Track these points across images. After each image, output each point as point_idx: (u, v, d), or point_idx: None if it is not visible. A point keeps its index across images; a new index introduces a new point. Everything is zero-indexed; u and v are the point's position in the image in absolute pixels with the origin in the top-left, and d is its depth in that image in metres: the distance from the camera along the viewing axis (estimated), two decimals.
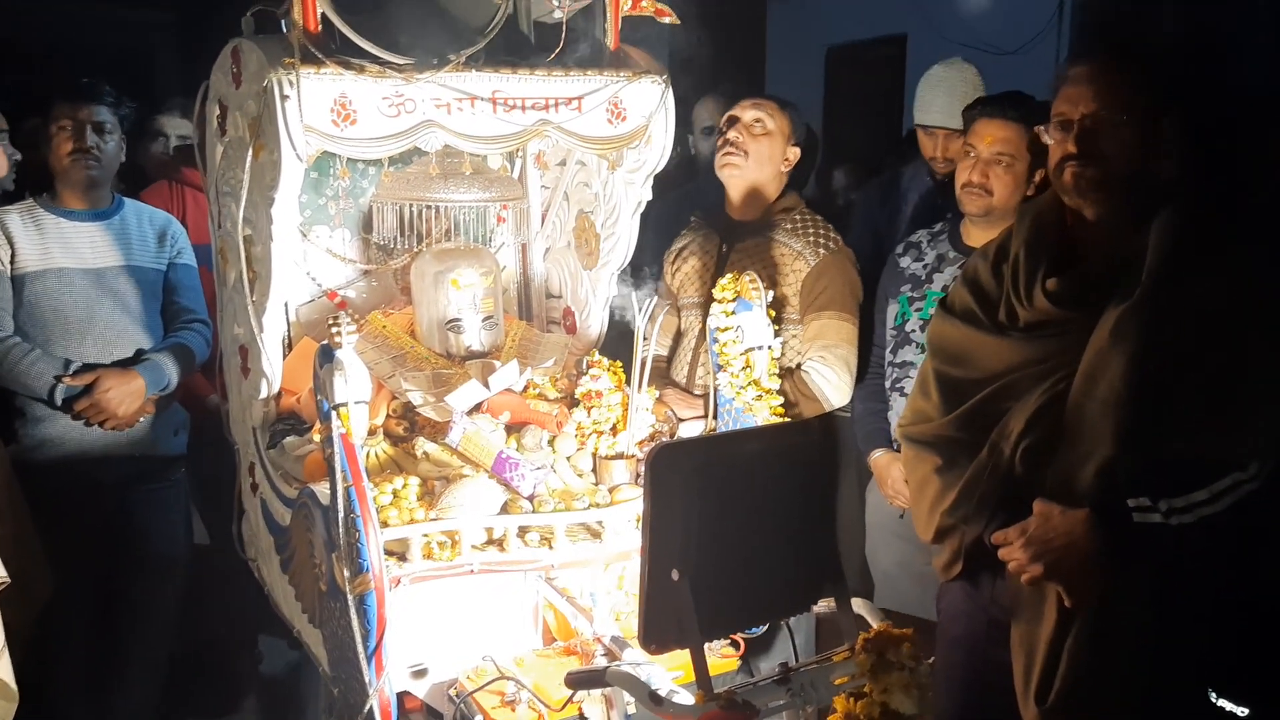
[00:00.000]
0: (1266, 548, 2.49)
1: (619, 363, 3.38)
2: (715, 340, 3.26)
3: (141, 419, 3.85)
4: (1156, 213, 2.51)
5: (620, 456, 3.18)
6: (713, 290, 3.28)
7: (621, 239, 3.58)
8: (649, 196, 3.48)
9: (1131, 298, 2.46)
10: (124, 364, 3.82)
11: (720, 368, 3.26)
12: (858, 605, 2.63)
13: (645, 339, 3.19)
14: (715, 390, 3.29)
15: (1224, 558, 2.45)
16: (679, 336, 3.90)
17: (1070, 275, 2.58)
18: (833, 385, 3.58)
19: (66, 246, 3.83)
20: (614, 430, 3.27)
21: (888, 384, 3.59)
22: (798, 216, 3.76)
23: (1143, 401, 2.41)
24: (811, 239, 3.69)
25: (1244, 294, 2.42)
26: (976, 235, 3.42)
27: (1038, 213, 2.71)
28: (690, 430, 3.50)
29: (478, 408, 3.25)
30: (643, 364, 3.25)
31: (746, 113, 3.67)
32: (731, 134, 3.66)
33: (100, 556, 3.86)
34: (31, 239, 3.79)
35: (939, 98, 4.07)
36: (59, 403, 3.71)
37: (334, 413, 2.64)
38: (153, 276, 3.96)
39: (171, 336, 3.95)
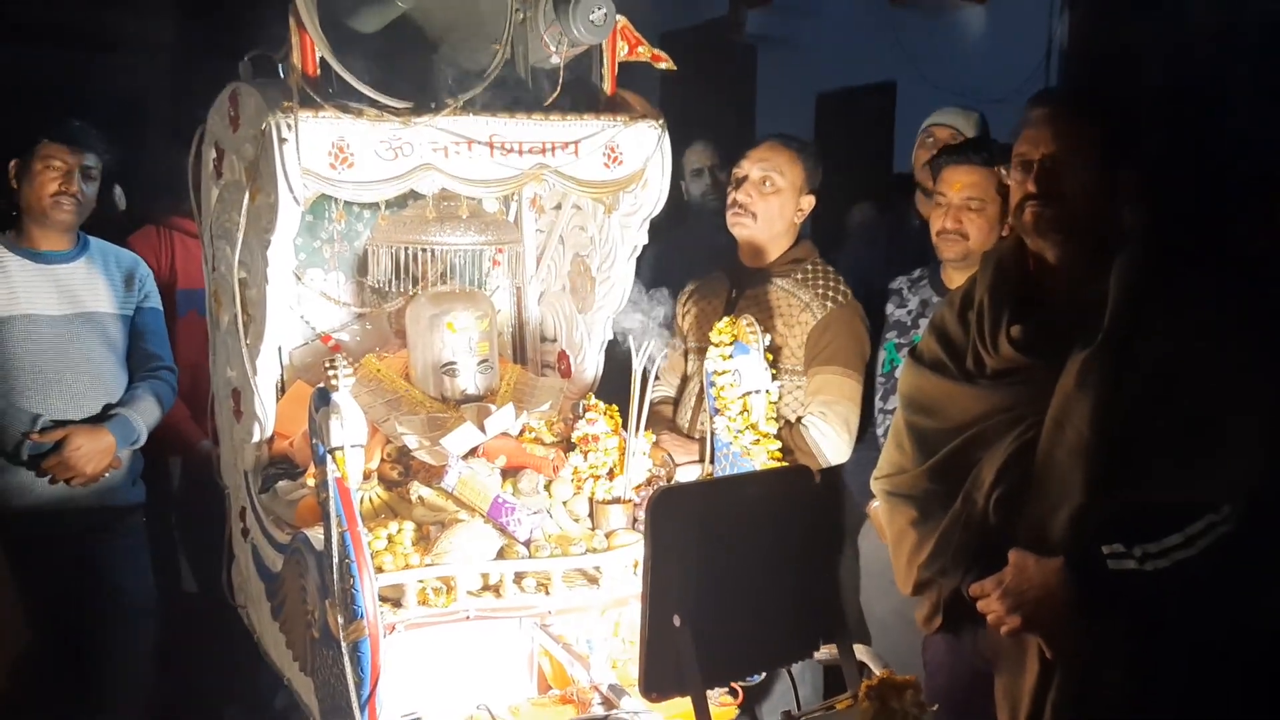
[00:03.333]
0: (1245, 590, 2.44)
1: (615, 407, 3.33)
2: (712, 384, 3.24)
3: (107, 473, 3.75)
4: (1116, 256, 2.50)
5: (617, 501, 3.15)
6: (711, 333, 3.27)
7: (617, 283, 3.53)
8: (645, 240, 3.45)
9: (1094, 343, 2.44)
10: (93, 418, 3.75)
11: (718, 411, 3.23)
12: (860, 652, 2.61)
13: (642, 382, 3.16)
14: (712, 434, 3.26)
15: (1202, 602, 2.41)
16: (686, 380, 3.86)
17: (1034, 321, 2.56)
18: (830, 443, 3.55)
19: (33, 290, 3.75)
20: (611, 475, 3.24)
21: (879, 431, 3.57)
22: (809, 267, 3.71)
23: (1111, 447, 2.39)
24: (820, 291, 3.65)
25: (1207, 336, 2.40)
26: (957, 279, 3.40)
27: (999, 258, 2.70)
28: (687, 475, 3.47)
29: (473, 452, 3.21)
30: (640, 408, 3.22)
31: (754, 169, 3.64)
32: (740, 195, 3.65)
33: (67, 607, 3.77)
34: None
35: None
36: (25, 458, 3.64)
37: (329, 456, 2.62)
38: (121, 322, 3.89)
39: (139, 385, 3.86)
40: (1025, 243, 2.63)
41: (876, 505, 3.39)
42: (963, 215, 3.37)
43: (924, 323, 3.39)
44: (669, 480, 3.36)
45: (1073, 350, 2.46)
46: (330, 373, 2.66)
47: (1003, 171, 2.65)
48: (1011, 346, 2.55)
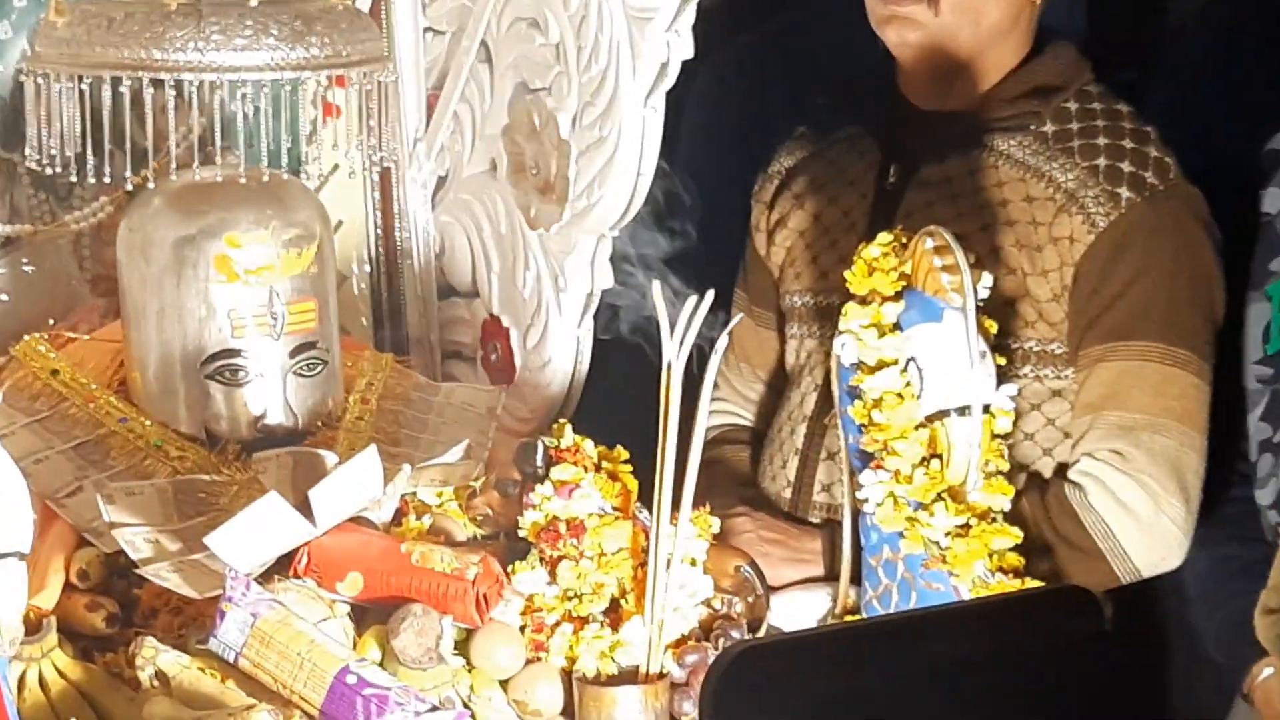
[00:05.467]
0: None
1: (620, 450, 2.20)
2: (853, 393, 2.21)
3: None
4: None
5: (634, 677, 2.09)
6: (849, 272, 2.25)
7: (623, 153, 2.43)
8: (688, 54, 2.33)
9: None
10: None
11: (864, 455, 2.24)
12: None
13: (685, 393, 2.11)
14: (856, 511, 2.27)
15: None
16: (784, 381, 2.78)
17: None
18: (1140, 522, 2.47)
19: None
20: (616, 615, 2.13)
21: (1264, 493, 2.44)
22: (1070, 107, 2.60)
23: None
24: (1102, 164, 2.53)
25: None
26: None
27: None
28: (797, 610, 2.41)
29: (288, 563, 2.16)
30: (681, 453, 2.12)
31: None
32: None
33: None
34: None
35: None
36: None
37: None
38: None
39: None
40: None
41: (1268, 674, 2.38)
42: None
43: None
44: (753, 625, 2.24)
45: None
46: None
47: None
48: None
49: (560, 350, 2.61)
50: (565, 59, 2.50)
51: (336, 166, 2.70)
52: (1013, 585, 2.11)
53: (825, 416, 2.55)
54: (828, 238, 2.64)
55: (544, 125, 2.54)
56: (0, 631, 1.77)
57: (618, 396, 2.55)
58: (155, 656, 1.99)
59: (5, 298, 2.60)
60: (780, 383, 2.77)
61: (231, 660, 1.98)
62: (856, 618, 2.25)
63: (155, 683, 1.99)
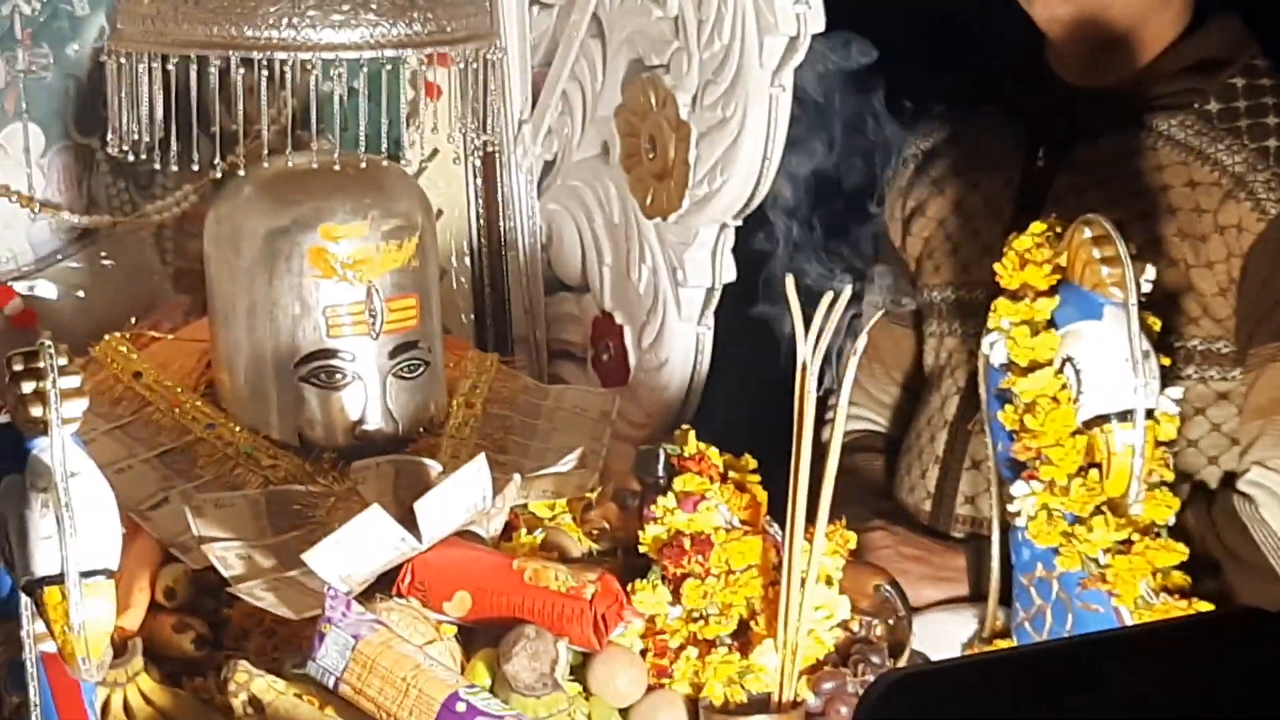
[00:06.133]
0: None
1: (749, 460, 2.12)
2: (999, 400, 2.13)
3: None
4: None
5: (765, 706, 2.01)
6: (999, 263, 2.16)
7: (749, 135, 2.31)
8: (819, 28, 2.22)
9: None
10: None
11: (1015, 464, 2.15)
12: None
13: (821, 397, 2.05)
14: (1006, 525, 2.18)
15: None
16: (914, 380, 2.72)
17: None
18: None
19: None
20: (745, 638, 2.05)
21: None
22: (1237, 83, 2.49)
23: None
24: (1274, 146, 2.44)
25: None
26: None
27: None
28: (940, 633, 2.30)
29: (391, 581, 2.06)
30: (817, 464, 1.99)
31: None
32: None
33: None
34: None
35: None
36: None
37: (29, 599, 1.73)
38: None
39: None
40: None
41: None
42: None
43: None
44: (894, 650, 2.12)
45: None
46: (24, 384, 1.69)
47: None
48: None
49: (678, 350, 2.51)
50: (685, 33, 2.39)
51: (436, 151, 2.61)
52: (1178, 607, 2.02)
53: (969, 422, 2.47)
54: (970, 226, 2.56)
55: (661, 105, 2.43)
56: (88, 655, 1.66)
57: (737, 404, 2.54)
58: (249, 682, 1.90)
59: (82, 294, 2.53)
60: (915, 385, 2.68)
61: (331, 686, 1.90)
62: (1007, 642, 2.15)
63: (248, 710, 1.90)
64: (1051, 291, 2.04)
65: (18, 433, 1.68)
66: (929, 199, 2.65)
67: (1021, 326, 2.05)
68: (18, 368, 1.64)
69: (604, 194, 2.60)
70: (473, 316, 2.76)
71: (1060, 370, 2.03)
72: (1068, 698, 1.50)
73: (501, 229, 2.74)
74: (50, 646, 1.72)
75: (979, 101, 2.67)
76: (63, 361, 1.65)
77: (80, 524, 1.63)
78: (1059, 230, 2.08)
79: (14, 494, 1.67)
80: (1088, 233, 2.01)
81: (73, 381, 1.66)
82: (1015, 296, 2.06)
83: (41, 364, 1.64)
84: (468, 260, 2.76)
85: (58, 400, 1.64)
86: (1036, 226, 2.09)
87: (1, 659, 1.84)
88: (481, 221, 2.74)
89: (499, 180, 2.72)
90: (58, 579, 1.62)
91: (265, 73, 2.10)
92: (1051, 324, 2.04)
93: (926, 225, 2.65)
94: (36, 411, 1.63)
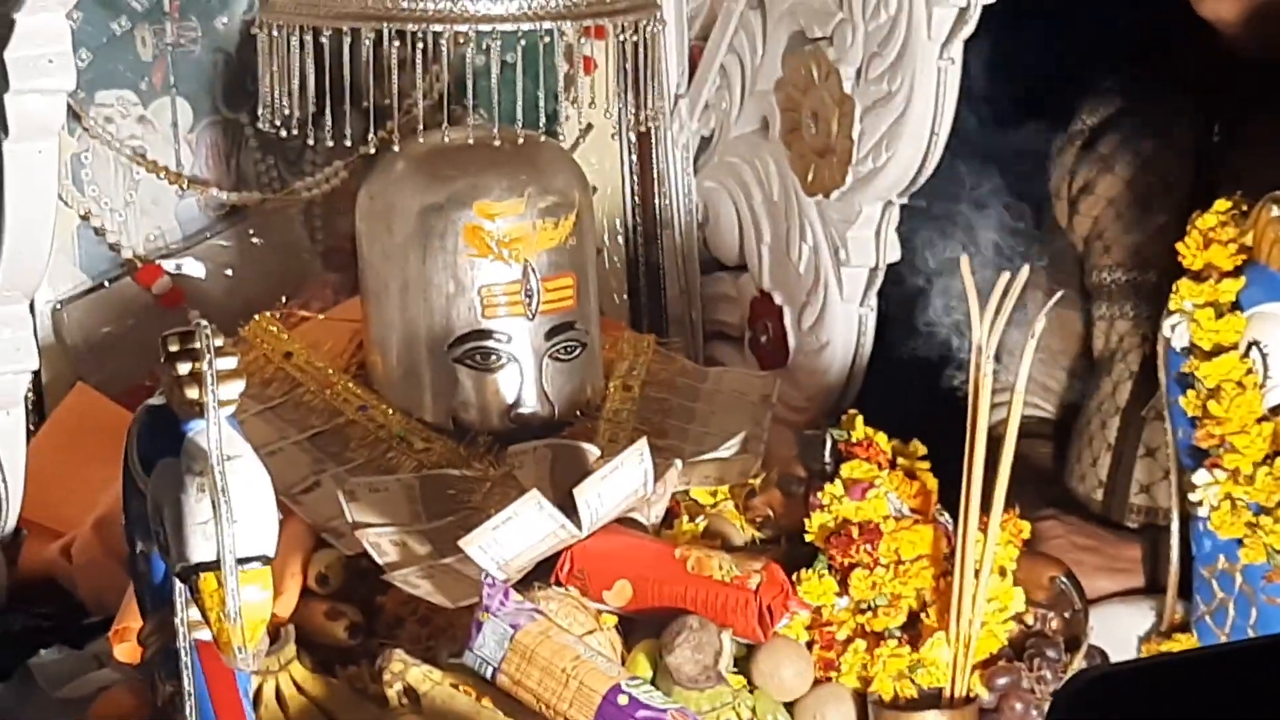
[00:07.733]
0: None
1: (918, 446, 2.09)
2: (1180, 385, 2.10)
3: None
4: None
5: (936, 701, 1.97)
6: (1180, 243, 2.10)
7: (915, 110, 2.29)
8: None
9: None
10: None
11: (1196, 452, 2.10)
12: None
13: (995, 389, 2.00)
14: (1180, 515, 2.15)
15: None
16: (1080, 364, 2.66)
17: None
18: None
19: None
20: (916, 630, 2.03)
21: None
22: None
23: None
24: None
25: None
26: None
27: None
28: (1115, 626, 2.22)
29: (549, 569, 2.05)
30: (992, 454, 1.96)
31: None
32: None
33: None
34: None
35: None
36: None
37: (185, 586, 1.67)
38: None
39: None
40: None
41: None
42: None
43: None
44: (1070, 644, 2.06)
45: None
46: (179, 365, 1.66)
47: None
48: None
49: (840, 331, 2.48)
50: (849, 4, 2.36)
51: (590, 127, 2.62)
52: None
53: (1142, 408, 2.43)
54: (1142, 205, 2.52)
55: (824, 79, 2.40)
56: (245, 644, 1.61)
57: (902, 388, 2.43)
58: (404, 671, 1.90)
59: (230, 273, 2.54)
60: (1080, 368, 2.64)
61: (488, 676, 1.88)
62: (1186, 636, 2.11)
63: (404, 700, 1.91)
64: (1237, 272, 2.01)
65: (173, 415, 1.63)
66: (1098, 177, 2.59)
67: (1205, 308, 2.03)
68: (173, 349, 1.59)
69: (763, 171, 2.57)
70: (626, 297, 2.76)
71: (1246, 354, 2.00)
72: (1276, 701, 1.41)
73: (657, 207, 2.73)
74: (205, 634, 1.68)
75: (1149, 74, 2.64)
76: (218, 342, 1.61)
77: (238, 509, 1.59)
78: (1244, 208, 2.04)
79: (169, 478, 1.63)
80: (1276, 211, 1.98)
81: (229, 363, 1.62)
82: (1199, 277, 2.03)
83: (197, 345, 1.59)
84: (621, 239, 2.75)
85: (214, 382, 1.60)
86: (1221, 204, 2.05)
87: (156, 647, 1.78)
88: (636, 199, 2.73)
89: (654, 157, 2.71)
90: (214, 565, 1.58)
91: (419, 46, 2.06)
92: (1237, 306, 2.01)
93: (1095, 204, 2.60)
94: (193, 394, 1.58)
